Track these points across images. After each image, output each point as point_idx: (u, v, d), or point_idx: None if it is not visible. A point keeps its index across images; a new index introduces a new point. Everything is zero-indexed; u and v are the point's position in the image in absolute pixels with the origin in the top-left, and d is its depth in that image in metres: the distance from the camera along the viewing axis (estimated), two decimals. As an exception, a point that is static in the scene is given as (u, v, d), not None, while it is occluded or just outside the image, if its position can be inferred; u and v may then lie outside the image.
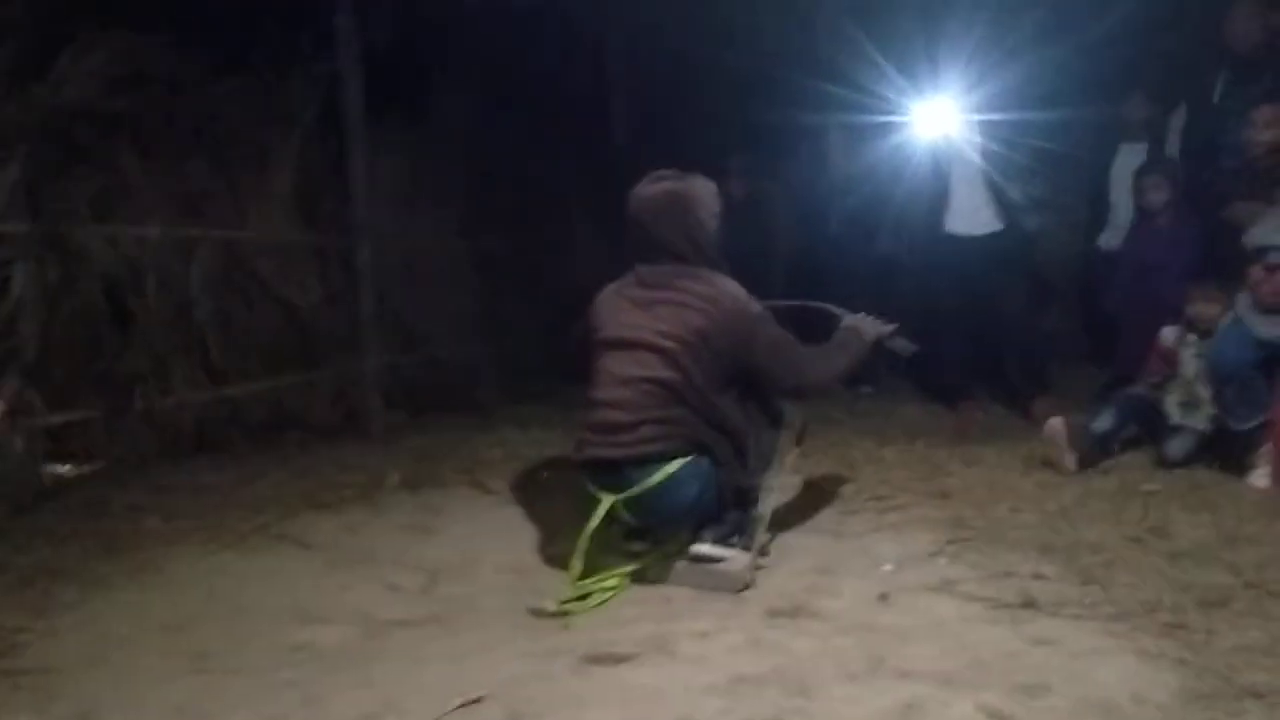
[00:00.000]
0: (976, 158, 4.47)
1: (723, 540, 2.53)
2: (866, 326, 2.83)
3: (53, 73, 3.57)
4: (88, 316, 3.70)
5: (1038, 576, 2.44)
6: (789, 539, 2.83)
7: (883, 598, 2.35)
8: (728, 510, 2.58)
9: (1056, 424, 3.44)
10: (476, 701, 1.88)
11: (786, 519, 2.97)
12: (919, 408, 4.86)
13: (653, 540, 2.64)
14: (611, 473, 2.51)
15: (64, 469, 3.66)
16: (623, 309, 2.60)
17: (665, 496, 2.48)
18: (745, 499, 2.62)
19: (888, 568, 2.58)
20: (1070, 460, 3.38)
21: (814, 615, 2.26)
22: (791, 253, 5.91)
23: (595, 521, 2.48)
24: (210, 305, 4.14)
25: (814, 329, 2.91)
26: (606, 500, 2.50)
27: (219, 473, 3.79)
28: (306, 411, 4.56)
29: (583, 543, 2.45)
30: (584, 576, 2.42)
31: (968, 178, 4.50)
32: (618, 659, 2.06)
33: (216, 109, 4.21)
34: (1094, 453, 3.47)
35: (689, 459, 2.48)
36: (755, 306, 2.55)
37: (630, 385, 2.51)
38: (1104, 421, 3.54)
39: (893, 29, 5.08)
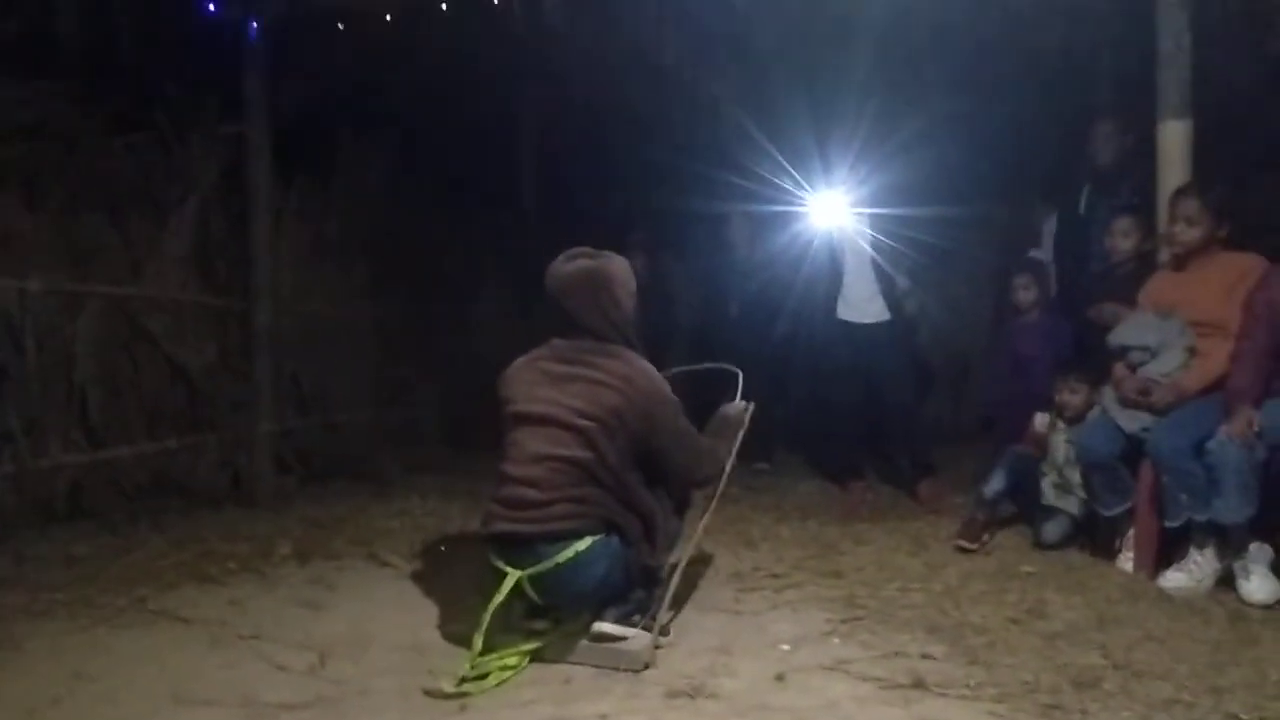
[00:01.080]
0: (867, 249, 4.71)
1: (625, 619, 2.53)
2: (733, 413, 3.02)
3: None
4: (-45, 371, 3.50)
5: (926, 657, 2.52)
6: (689, 616, 2.85)
7: (779, 678, 2.38)
8: (632, 589, 2.59)
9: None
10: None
11: (686, 595, 3.00)
12: (812, 485, 4.99)
13: (554, 618, 2.60)
14: (519, 547, 2.48)
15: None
16: (537, 383, 2.59)
17: (574, 574, 2.46)
18: (648, 577, 2.64)
19: (784, 647, 2.62)
20: (967, 544, 3.55)
21: (713, 696, 2.27)
22: (693, 326, 6.06)
23: (500, 597, 2.45)
24: (93, 363, 3.96)
25: (715, 390, 3.10)
26: (512, 576, 2.47)
27: (93, 541, 3.60)
28: (191, 476, 4.37)
29: (485, 619, 2.40)
30: (484, 654, 2.38)
31: (859, 268, 4.74)
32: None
33: (114, 164, 4.08)
34: (990, 519, 3.70)
35: (599, 537, 2.48)
36: (668, 390, 2.60)
37: (543, 463, 2.50)
38: (996, 483, 3.74)
39: (789, 126, 5.37)
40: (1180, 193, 3.37)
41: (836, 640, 2.67)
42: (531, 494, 2.49)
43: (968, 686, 2.32)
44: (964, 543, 3.56)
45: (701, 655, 2.54)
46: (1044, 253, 4.84)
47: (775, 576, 3.28)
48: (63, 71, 3.82)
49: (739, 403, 3.11)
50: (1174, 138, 3.59)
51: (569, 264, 2.64)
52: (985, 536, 3.64)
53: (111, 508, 3.96)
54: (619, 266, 2.68)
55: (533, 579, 2.48)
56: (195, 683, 2.35)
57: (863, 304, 4.72)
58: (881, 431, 5.06)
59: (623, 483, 2.52)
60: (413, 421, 5.68)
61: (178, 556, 3.43)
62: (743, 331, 5.48)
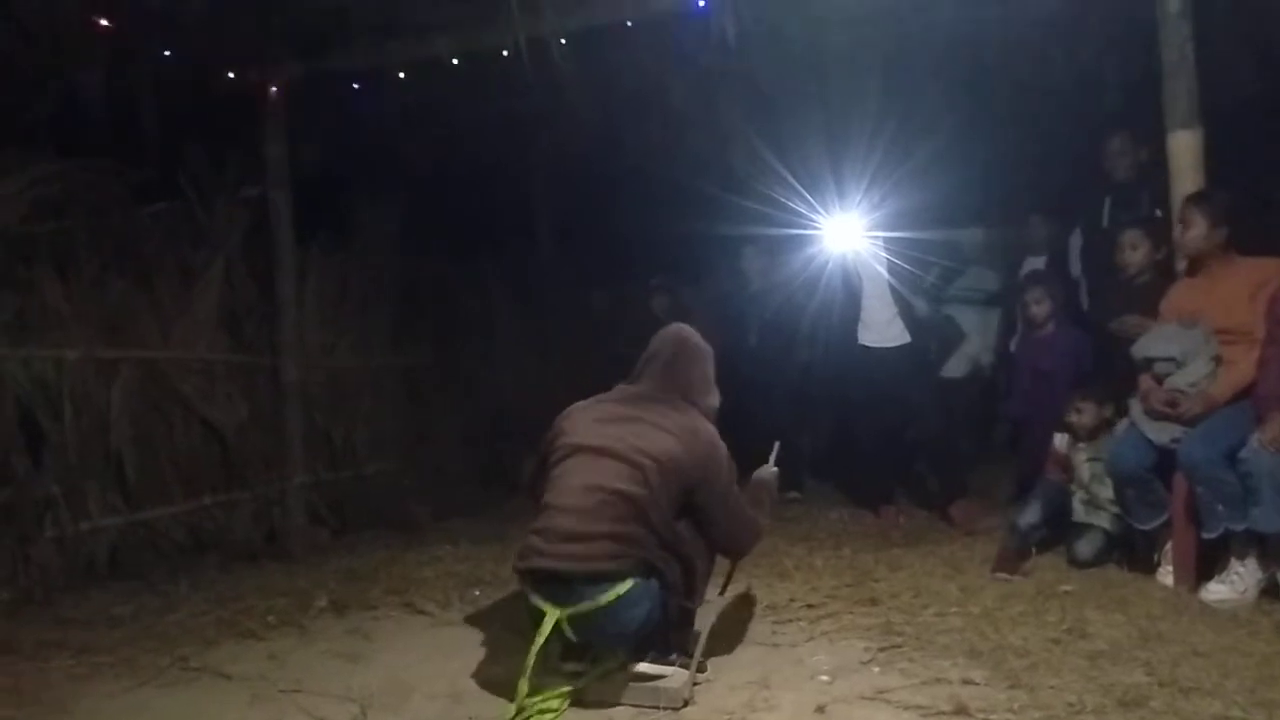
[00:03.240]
0: (884, 272, 4.73)
1: (663, 658, 2.53)
2: (767, 477, 3.05)
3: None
4: (-1, 442, 3.58)
5: (967, 682, 2.50)
6: (726, 651, 2.84)
7: (820, 710, 2.37)
8: (670, 629, 2.59)
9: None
10: (415, 841, 1.83)
11: (723, 630, 2.99)
12: (843, 511, 4.96)
13: (590, 658, 2.60)
14: (558, 585, 2.46)
15: (-36, 604, 3.47)
16: (598, 419, 2.62)
17: (615, 616, 2.43)
18: (685, 618, 2.64)
19: (824, 678, 2.61)
20: (1009, 578, 3.48)
21: (754, 731, 2.27)
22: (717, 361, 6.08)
23: (541, 639, 2.42)
24: (128, 427, 4.05)
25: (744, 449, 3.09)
26: (552, 615, 2.45)
27: (133, 601, 3.64)
28: (227, 533, 4.43)
29: (529, 661, 2.39)
30: (527, 696, 2.38)
31: (877, 292, 4.75)
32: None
33: (141, 231, 4.20)
34: (1024, 550, 3.66)
35: (640, 580, 2.45)
36: (727, 456, 2.64)
37: (592, 494, 2.48)
38: (1030, 516, 3.73)
39: (801, 150, 5.42)
40: (1184, 201, 3.41)
41: (876, 669, 2.66)
42: (574, 524, 2.47)
43: (1011, 710, 2.29)
44: (1004, 575, 3.49)
45: (741, 690, 2.53)
46: (1072, 266, 4.85)
47: (811, 607, 3.27)
48: (89, 146, 3.94)
49: (771, 468, 3.12)
50: (1184, 147, 3.60)
51: (674, 328, 2.85)
52: (1025, 566, 3.58)
53: (151, 567, 4.02)
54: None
55: (572, 619, 2.45)
56: (240, 739, 2.38)
57: (882, 327, 4.73)
58: (910, 454, 5.04)
59: (669, 525, 2.52)
60: (441, 467, 5.72)
61: (217, 613, 3.47)
62: (762, 360, 5.49)
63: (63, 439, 3.78)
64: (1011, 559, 3.58)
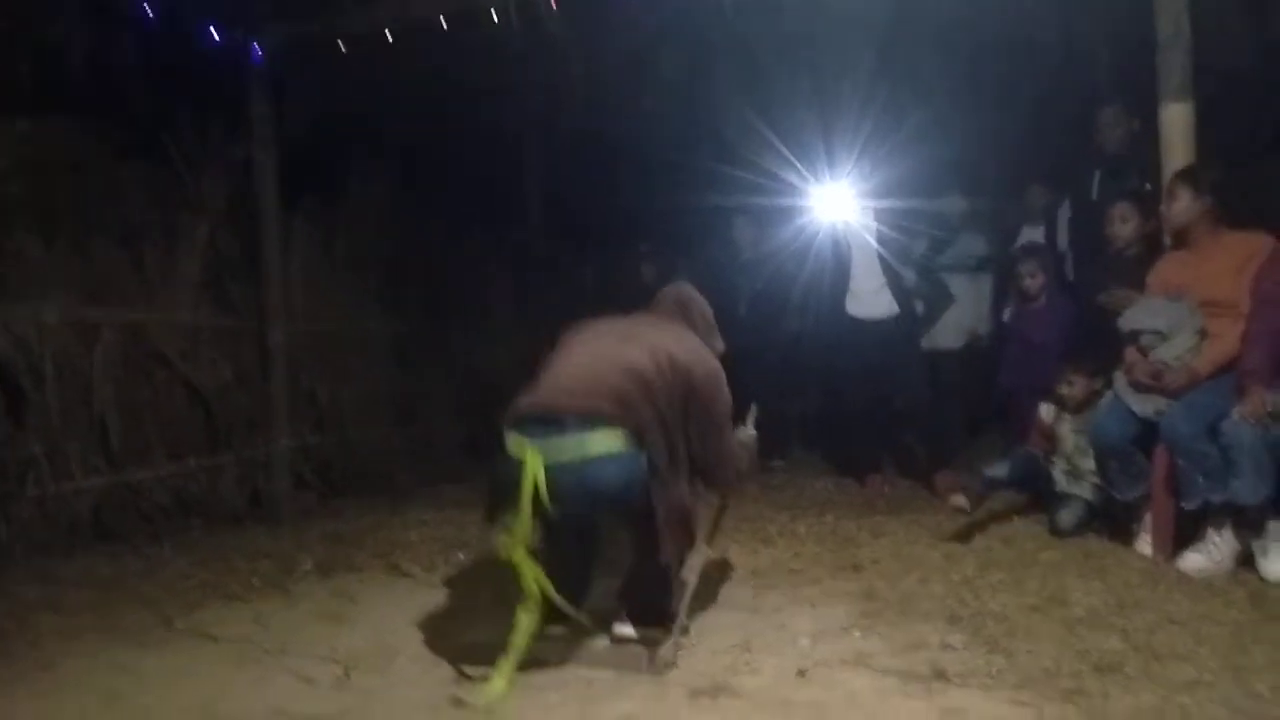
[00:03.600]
0: (873, 242, 4.72)
1: (644, 623, 2.53)
2: (745, 439, 3.00)
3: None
4: (-22, 402, 3.56)
5: (946, 647, 2.53)
6: (709, 616, 2.86)
7: (801, 673, 2.40)
8: (650, 591, 2.55)
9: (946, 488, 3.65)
10: (398, 797, 1.84)
11: (706, 595, 3.01)
12: (829, 481, 5.00)
13: (573, 622, 2.54)
14: (550, 427, 2.31)
15: (-54, 563, 3.46)
16: (604, 322, 2.62)
17: (599, 470, 2.30)
18: (665, 579, 2.58)
19: (805, 643, 2.63)
20: (962, 501, 3.72)
21: (735, 694, 2.29)
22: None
23: (528, 489, 2.24)
24: (111, 389, 4.02)
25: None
26: (534, 460, 2.26)
27: (118, 563, 3.64)
28: (211, 496, 4.42)
29: (522, 523, 2.24)
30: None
31: (866, 262, 4.75)
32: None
33: (125, 191, 4.14)
34: (983, 493, 3.83)
35: (634, 447, 2.33)
36: (728, 389, 2.60)
37: (598, 360, 2.42)
38: (998, 470, 3.83)
39: (792, 120, 5.39)
40: (1172, 177, 3.41)
41: (857, 634, 2.69)
42: (574, 378, 2.39)
43: (989, 675, 2.32)
44: (960, 501, 3.69)
45: (723, 654, 2.55)
46: (1060, 237, 4.85)
47: (794, 572, 3.30)
48: (72, 105, 3.87)
49: (749, 430, 3.09)
50: (1176, 120, 3.59)
51: (677, 284, 2.89)
52: (976, 506, 3.80)
53: (134, 529, 4.02)
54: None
55: (552, 470, 2.27)
56: (225, 699, 2.38)
57: (870, 298, 4.73)
58: (896, 425, 5.06)
59: (672, 422, 2.41)
60: (427, 434, 5.72)
61: (202, 575, 3.48)
62: (751, 329, 5.49)
63: (44, 400, 3.76)
64: (971, 497, 3.80)
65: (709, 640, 2.66)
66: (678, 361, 2.45)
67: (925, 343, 5.16)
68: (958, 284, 5.29)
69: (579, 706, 2.25)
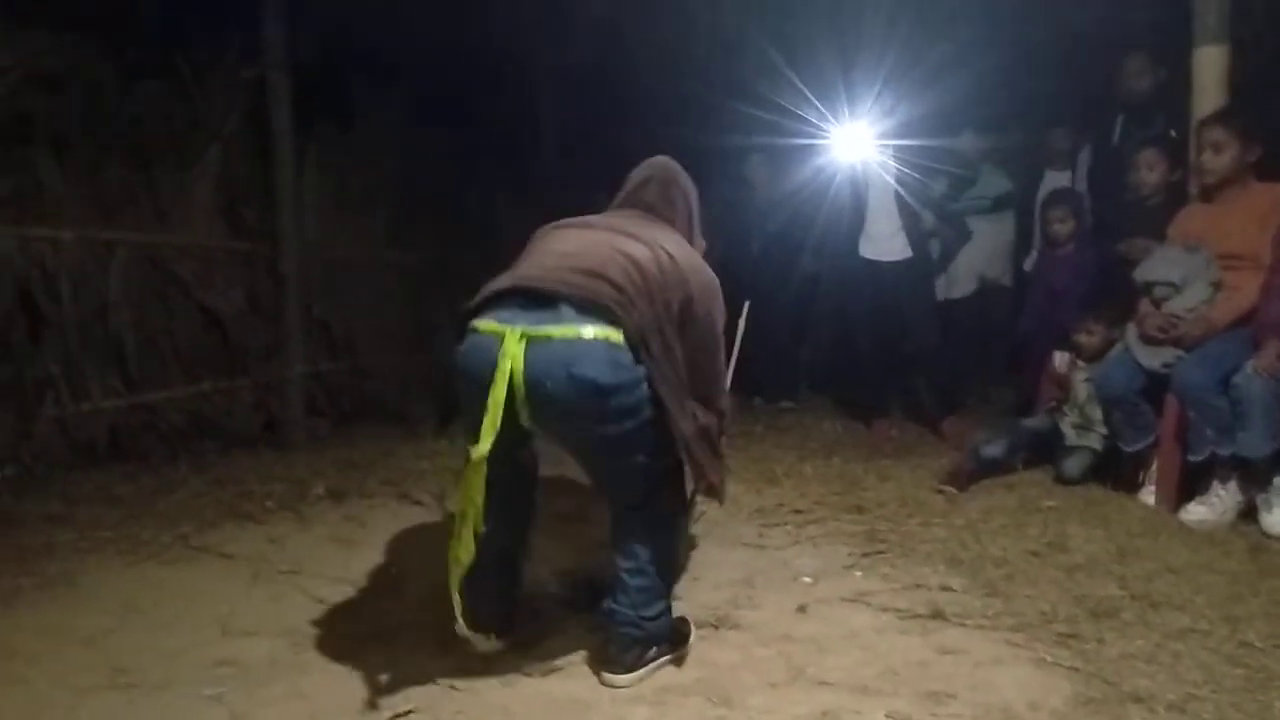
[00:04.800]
0: (890, 184, 4.65)
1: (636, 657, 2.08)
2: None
3: (-37, 70, 3.46)
4: (-3, 320, 3.59)
5: (945, 588, 2.58)
6: (713, 551, 2.91)
7: (801, 609, 2.45)
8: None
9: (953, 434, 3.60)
10: (406, 714, 1.91)
11: (711, 532, 3.07)
12: (837, 424, 5.02)
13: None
14: (536, 307, 1.95)
15: (-31, 478, 3.53)
16: (590, 218, 2.25)
17: (590, 358, 1.90)
18: (670, 554, 2.21)
19: (806, 580, 2.68)
20: (957, 485, 3.55)
21: (736, 627, 2.34)
22: (713, 262, 6.03)
23: (503, 376, 1.87)
24: (127, 310, 4.04)
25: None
26: (512, 337, 1.89)
27: (135, 482, 3.71)
28: (226, 419, 4.48)
29: (491, 423, 1.85)
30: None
31: (882, 205, 4.69)
32: (546, 671, 2.11)
33: (138, 112, 4.11)
34: (977, 473, 3.67)
35: (632, 354, 1.94)
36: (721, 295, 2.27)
37: (597, 246, 2.05)
38: (994, 449, 3.74)
39: (811, 56, 5.27)
40: (1206, 121, 3.31)
41: (858, 573, 2.73)
42: (566, 264, 2.01)
43: (986, 617, 2.37)
44: (947, 487, 3.53)
45: (725, 588, 2.61)
46: (1078, 183, 4.77)
47: (798, 512, 3.35)
48: (83, 22, 3.81)
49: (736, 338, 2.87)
50: (1210, 63, 3.51)
51: (662, 158, 2.46)
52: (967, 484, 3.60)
53: (151, 450, 4.08)
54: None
55: (533, 346, 1.89)
56: (240, 615, 2.46)
57: (885, 240, 4.69)
58: (907, 369, 5.07)
59: (668, 341, 2.03)
60: (439, 364, 5.75)
61: (217, 496, 3.55)
62: (764, 270, 5.46)
63: (61, 320, 3.78)
64: (962, 477, 3.60)
65: (713, 575, 2.71)
66: (679, 263, 2.09)
67: (940, 290, 5.12)
68: (975, 227, 5.19)
69: (582, 635, 2.30)
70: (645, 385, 1.96)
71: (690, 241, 2.33)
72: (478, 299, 2.05)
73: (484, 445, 1.84)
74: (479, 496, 1.88)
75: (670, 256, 2.08)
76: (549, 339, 1.90)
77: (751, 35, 5.55)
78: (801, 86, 5.04)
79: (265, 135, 4.53)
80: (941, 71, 4.76)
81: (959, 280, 5.21)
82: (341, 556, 2.93)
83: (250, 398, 4.61)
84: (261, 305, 4.64)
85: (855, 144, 4.80)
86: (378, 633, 2.35)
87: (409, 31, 5.25)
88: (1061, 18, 5.00)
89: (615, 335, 1.93)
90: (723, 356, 2.27)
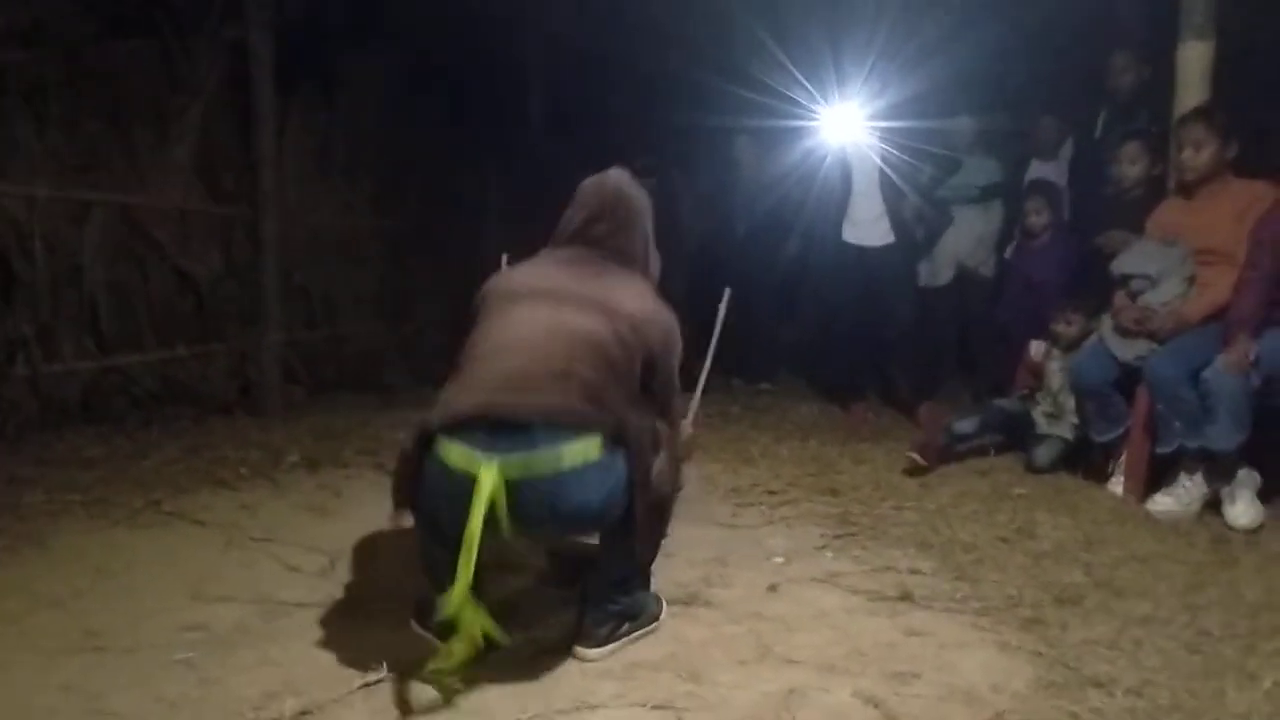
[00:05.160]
0: (877, 166, 4.65)
1: (609, 631, 2.09)
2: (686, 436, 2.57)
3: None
4: (-32, 279, 3.54)
5: (915, 571, 2.61)
6: (688, 530, 2.92)
7: (772, 588, 2.48)
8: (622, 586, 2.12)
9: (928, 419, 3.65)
10: (378, 682, 1.91)
11: (685, 510, 3.07)
12: (814, 406, 5.06)
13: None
14: (499, 434, 1.82)
15: (-63, 436, 3.49)
16: (542, 273, 2.12)
17: (577, 484, 1.86)
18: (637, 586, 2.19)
19: (778, 560, 2.71)
20: (926, 457, 3.61)
21: (707, 604, 2.36)
22: (699, 247, 6.03)
23: (478, 515, 1.75)
24: (102, 271, 4.00)
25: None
26: (488, 473, 1.77)
27: (106, 444, 3.68)
28: (201, 384, 4.44)
29: (468, 562, 1.75)
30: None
31: (867, 188, 4.70)
32: (517, 643, 2.11)
33: (115, 69, 4.03)
34: (947, 449, 3.73)
35: (610, 447, 1.90)
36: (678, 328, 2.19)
37: (551, 335, 1.94)
38: (966, 425, 3.80)
39: (801, 36, 5.24)
40: (1185, 118, 3.34)
41: (829, 554, 2.76)
42: (527, 364, 1.89)
43: (953, 600, 2.41)
44: (916, 456, 3.59)
45: (698, 566, 2.63)
46: (1059, 175, 4.78)
47: (772, 493, 3.37)
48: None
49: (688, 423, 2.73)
50: (1194, 59, 3.53)
51: (610, 173, 2.28)
52: (935, 460, 3.66)
53: (123, 413, 4.05)
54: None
55: (515, 485, 1.80)
56: (212, 580, 2.45)
57: (868, 225, 4.70)
58: (885, 354, 5.10)
59: (638, 405, 2.01)
60: (418, 334, 5.73)
61: (190, 462, 3.53)
62: (750, 252, 5.47)
63: (34, 279, 3.73)
64: (931, 451, 3.65)
65: (686, 552, 2.73)
66: (637, 325, 2.01)
67: (922, 276, 5.13)
68: (955, 214, 5.11)
69: (554, 611, 2.31)
70: (624, 465, 1.92)
71: (646, 265, 2.25)
72: (441, 418, 1.88)
73: (458, 595, 1.75)
74: (475, 620, 1.80)
75: (630, 325, 2.00)
76: (528, 473, 1.81)
77: (742, 13, 5.52)
78: (790, 67, 5.02)
79: (246, 97, 4.47)
80: (931, 52, 4.74)
81: (940, 267, 5.21)
82: (315, 525, 2.93)
83: (226, 363, 4.58)
84: (239, 270, 4.60)
85: (842, 126, 4.78)
86: (350, 601, 2.36)
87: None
88: (1051, 5, 5.00)
89: (594, 447, 1.86)
90: (677, 380, 2.20)
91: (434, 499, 1.92)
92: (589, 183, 2.27)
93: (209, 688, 1.90)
